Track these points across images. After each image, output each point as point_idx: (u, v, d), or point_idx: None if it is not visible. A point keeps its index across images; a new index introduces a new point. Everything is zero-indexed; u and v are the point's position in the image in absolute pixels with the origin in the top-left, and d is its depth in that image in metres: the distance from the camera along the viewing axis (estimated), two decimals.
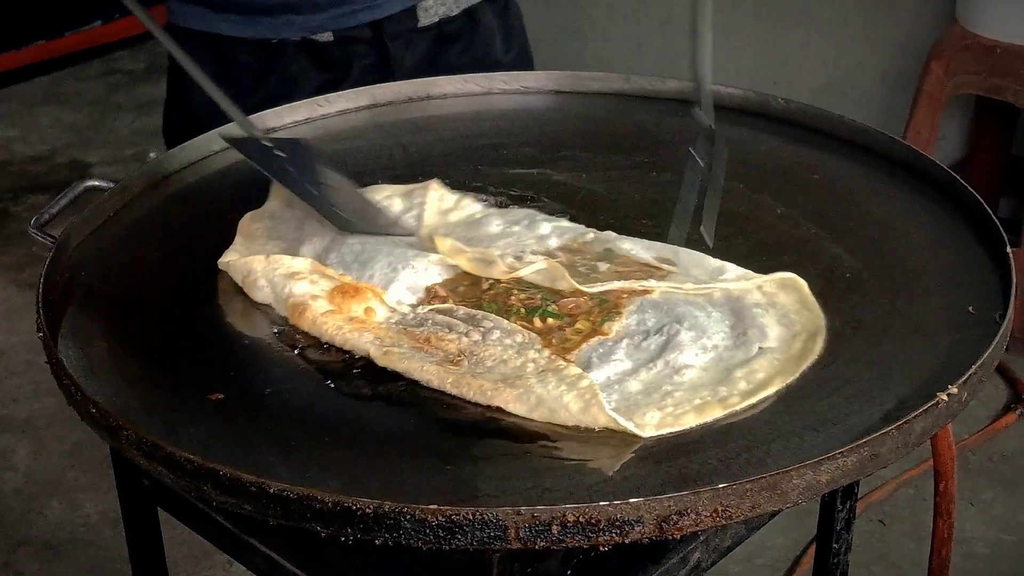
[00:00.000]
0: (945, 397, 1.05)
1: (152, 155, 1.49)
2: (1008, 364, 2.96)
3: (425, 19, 1.80)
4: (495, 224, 1.38)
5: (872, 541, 2.52)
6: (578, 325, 1.21)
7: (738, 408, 1.10)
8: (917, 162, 1.45)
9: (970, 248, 1.31)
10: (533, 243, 1.34)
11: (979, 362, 1.09)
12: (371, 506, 0.95)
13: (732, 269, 1.27)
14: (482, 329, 1.20)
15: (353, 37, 1.76)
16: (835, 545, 1.50)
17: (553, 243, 1.34)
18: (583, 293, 1.24)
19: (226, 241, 1.36)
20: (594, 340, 1.19)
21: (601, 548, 0.96)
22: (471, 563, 1.07)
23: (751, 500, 0.97)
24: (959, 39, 2.95)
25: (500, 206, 1.42)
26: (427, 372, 1.14)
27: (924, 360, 1.14)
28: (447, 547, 0.95)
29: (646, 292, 1.24)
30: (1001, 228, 1.28)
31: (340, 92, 1.64)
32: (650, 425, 1.08)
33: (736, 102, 1.59)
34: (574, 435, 1.07)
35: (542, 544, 0.95)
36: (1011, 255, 1.26)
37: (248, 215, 1.39)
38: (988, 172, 3.24)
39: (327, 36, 1.76)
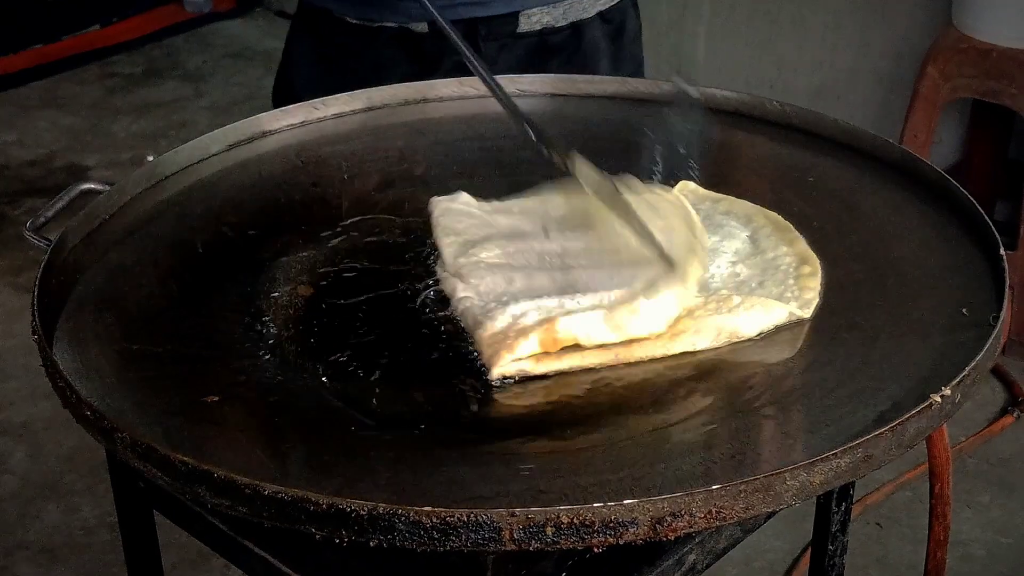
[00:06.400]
0: (939, 399, 1.06)
1: (150, 159, 1.49)
2: (1005, 367, 2.97)
3: (525, 26, 1.78)
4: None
5: (869, 544, 2.52)
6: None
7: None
8: (911, 165, 1.45)
9: (964, 250, 1.31)
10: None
11: (972, 364, 1.10)
12: (365, 508, 0.95)
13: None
14: None
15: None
16: (831, 547, 1.50)
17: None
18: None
19: (221, 244, 1.36)
20: None
21: (595, 550, 0.96)
22: (466, 565, 1.07)
23: (745, 501, 0.97)
24: (955, 43, 2.95)
25: None
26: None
27: (918, 362, 1.15)
28: (441, 549, 0.95)
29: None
30: (995, 230, 1.29)
31: (336, 95, 1.63)
32: (807, 307, 1.23)
33: (731, 105, 1.59)
34: (571, 434, 1.08)
35: (536, 546, 0.95)
36: (1005, 257, 1.26)
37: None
38: (984, 175, 3.25)
39: (422, 27, 1.75)
